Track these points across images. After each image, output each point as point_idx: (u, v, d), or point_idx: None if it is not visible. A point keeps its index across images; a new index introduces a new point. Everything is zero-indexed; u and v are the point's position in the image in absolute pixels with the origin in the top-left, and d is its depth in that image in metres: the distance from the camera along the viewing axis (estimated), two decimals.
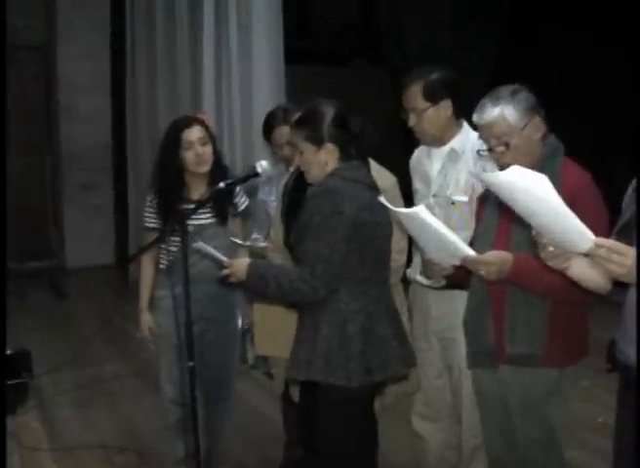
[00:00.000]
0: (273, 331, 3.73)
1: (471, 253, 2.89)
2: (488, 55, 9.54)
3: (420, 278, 3.68)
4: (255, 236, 4.09)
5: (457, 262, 2.98)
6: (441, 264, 3.09)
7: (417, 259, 3.74)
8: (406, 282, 3.82)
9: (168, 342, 3.94)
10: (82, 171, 9.67)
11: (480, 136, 3.02)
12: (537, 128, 2.96)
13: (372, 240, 3.11)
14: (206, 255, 3.50)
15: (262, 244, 4.00)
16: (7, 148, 9.23)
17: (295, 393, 3.83)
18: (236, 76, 6.22)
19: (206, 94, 6.52)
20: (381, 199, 3.00)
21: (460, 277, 3.14)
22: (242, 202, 4.11)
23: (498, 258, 2.81)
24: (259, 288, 3.18)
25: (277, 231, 3.79)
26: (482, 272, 2.87)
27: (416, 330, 3.72)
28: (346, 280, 3.07)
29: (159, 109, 8.03)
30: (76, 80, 9.53)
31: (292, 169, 3.93)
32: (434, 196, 3.60)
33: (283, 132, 4.15)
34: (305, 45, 10.32)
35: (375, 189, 3.21)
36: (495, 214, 3.06)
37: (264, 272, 3.13)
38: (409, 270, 3.80)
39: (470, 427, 3.61)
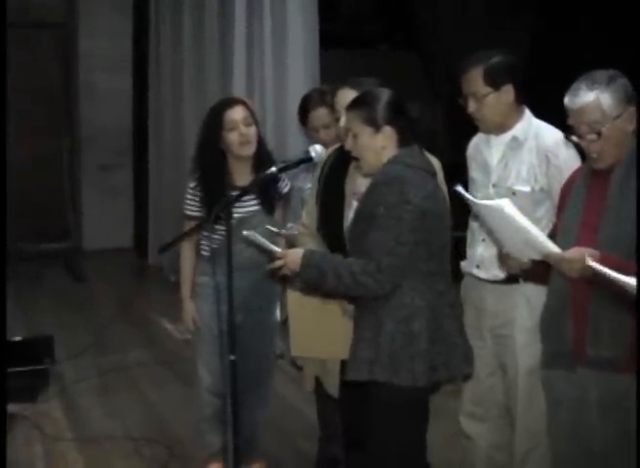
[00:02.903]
0: (309, 330, 3.53)
1: (555, 249, 2.71)
2: (523, 36, 9.32)
3: (476, 271, 3.53)
4: (290, 225, 3.94)
5: (537, 257, 2.81)
6: (519, 259, 2.92)
7: (471, 252, 3.59)
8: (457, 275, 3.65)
9: (208, 331, 3.83)
10: (102, 152, 9.50)
11: (569, 121, 2.84)
12: (630, 119, 2.78)
13: (436, 231, 2.97)
14: (254, 245, 3.33)
15: (296, 232, 3.85)
16: (25, 128, 9.20)
17: (333, 389, 3.65)
18: (269, 58, 6.03)
19: (236, 74, 6.34)
20: (459, 188, 2.82)
21: (537, 272, 2.96)
22: (285, 184, 3.97)
23: (583, 256, 2.64)
24: (314, 280, 3.00)
25: (311, 216, 3.60)
26: (566, 270, 2.70)
27: (468, 326, 3.53)
28: (411, 274, 2.92)
29: (184, 90, 7.84)
30: (97, 59, 9.36)
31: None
32: (494, 186, 3.44)
33: (320, 114, 4.06)
34: (332, 28, 10.14)
35: (434, 176, 3.06)
36: (579, 208, 2.88)
37: (321, 264, 2.96)
38: (463, 263, 3.64)
39: (525, 429, 3.47)
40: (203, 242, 3.87)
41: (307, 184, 4.09)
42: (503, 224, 2.78)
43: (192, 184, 3.83)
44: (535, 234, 2.71)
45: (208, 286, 3.77)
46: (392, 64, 10.21)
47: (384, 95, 3.04)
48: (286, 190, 3.98)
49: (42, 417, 4.98)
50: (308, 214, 3.62)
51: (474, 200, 2.83)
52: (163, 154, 8.52)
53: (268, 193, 3.81)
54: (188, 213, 3.86)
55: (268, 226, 3.93)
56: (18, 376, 5.33)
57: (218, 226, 3.59)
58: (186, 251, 3.94)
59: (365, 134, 3.01)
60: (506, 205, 2.67)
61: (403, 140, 3.03)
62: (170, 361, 5.88)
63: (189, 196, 3.85)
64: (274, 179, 3.74)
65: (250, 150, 3.74)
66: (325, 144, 3.95)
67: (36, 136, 9.37)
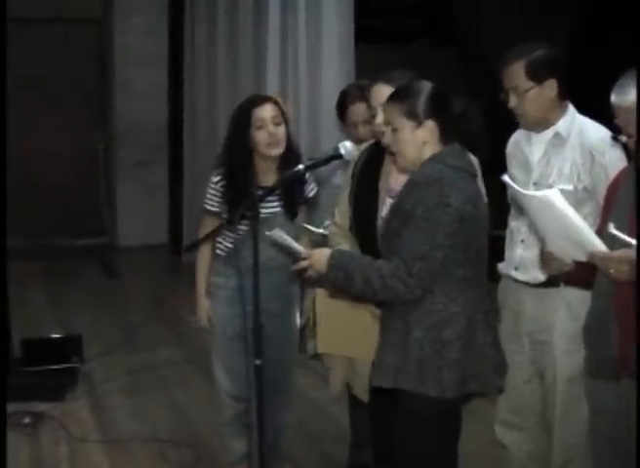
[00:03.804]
0: (337, 327, 3.40)
1: (602, 247, 2.57)
2: (564, 34, 9.15)
3: (514, 273, 3.39)
4: (328, 223, 3.81)
5: (582, 258, 2.65)
6: (562, 259, 2.76)
7: (510, 253, 3.45)
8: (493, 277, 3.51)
9: (223, 333, 3.78)
10: (137, 148, 9.44)
11: (617, 121, 2.68)
12: None
13: (474, 236, 2.83)
14: (277, 245, 3.22)
15: None
16: (61, 123, 9.19)
17: (363, 394, 3.53)
18: (303, 54, 5.94)
19: (270, 69, 6.24)
20: (506, 178, 2.68)
21: (580, 275, 2.81)
22: (310, 189, 3.84)
23: (631, 257, 2.48)
24: (341, 282, 2.88)
25: (344, 215, 3.46)
26: (612, 271, 2.55)
27: (505, 330, 3.41)
28: (445, 279, 2.79)
29: (218, 87, 7.77)
30: (133, 55, 9.31)
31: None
32: (535, 184, 3.29)
33: (358, 109, 3.95)
34: (369, 23, 10.01)
35: (475, 178, 2.93)
36: (626, 207, 2.73)
37: (349, 265, 2.83)
38: (501, 264, 3.50)
39: (563, 439, 3.34)
40: (219, 241, 3.78)
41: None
42: (549, 217, 2.64)
43: (215, 179, 3.73)
44: (582, 228, 2.59)
45: (224, 287, 3.73)
46: (432, 60, 10.08)
47: (427, 87, 2.91)
48: (312, 194, 3.85)
49: (69, 417, 4.90)
50: (341, 214, 3.49)
51: (521, 190, 2.71)
52: (198, 150, 8.44)
53: (292, 195, 3.69)
54: (209, 208, 3.76)
55: (304, 224, 3.82)
56: (46, 375, 5.33)
57: (238, 226, 3.50)
58: (203, 248, 3.82)
59: (406, 128, 2.88)
60: (555, 195, 2.55)
61: (445, 136, 2.90)
62: (200, 360, 5.73)
63: (211, 191, 3.75)
64: (300, 181, 3.63)
65: (277, 150, 3.62)
66: (363, 140, 3.85)
67: (72, 132, 9.35)
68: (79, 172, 9.47)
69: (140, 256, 9.06)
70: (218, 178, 3.72)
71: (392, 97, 2.94)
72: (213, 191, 3.74)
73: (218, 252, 3.80)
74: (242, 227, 3.46)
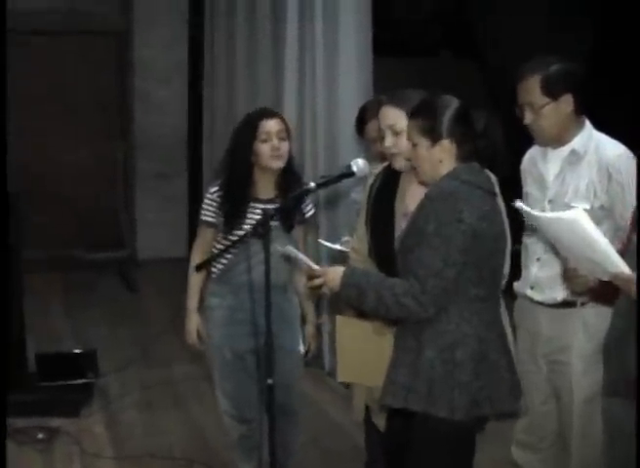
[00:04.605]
0: (357, 356, 3.32)
1: (626, 269, 2.51)
2: (585, 38, 9.04)
3: (530, 293, 3.33)
4: (345, 238, 3.77)
5: (605, 277, 2.59)
6: (587, 276, 2.69)
7: (525, 272, 3.40)
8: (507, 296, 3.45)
9: (221, 355, 3.76)
10: (156, 160, 9.43)
11: None
12: None
13: (489, 254, 2.77)
14: (289, 261, 3.17)
15: (349, 248, 3.66)
16: (80, 136, 9.21)
17: (380, 421, 3.45)
18: (321, 68, 5.87)
19: (287, 85, 6.22)
20: (520, 204, 2.63)
21: (604, 292, 2.75)
22: (308, 209, 3.81)
23: None
24: (354, 299, 2.84)
25: (361, 239, 3.38)
26: (634, 292, 2.49)
27: (521, 350, 3.36)
28: (458, 298, 2.73)
29: (237, 100, 7.75)
30: (153, 68, 9.32)
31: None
32: (550, 202, 3.25)
33: (377, 125, 3.83)
34: (388, 36, 9.96)
35: (494, 195, 2.87)
36: None
37: (362, 282, 2.79)
38: (517, 283, 3.44)
39: (580, 459, 3.30)
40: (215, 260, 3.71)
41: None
42: (574, 238, 2.56)
43: (212, 189, 3.71)
44: (606, 250, 2.52)
45: (218, 307, 3.71)
46: (452, 72, 10.02)
47: (449, 106, 2.85)
48: (309, 215, 3.82)
49: (83, 433, 4.87)
50: (359, 238, 3.42)
51: (540, 214, 2.65)
52: (217, 163, 8.41)
53: (290, 211, 3.64)
54: (204, 218, 3.73)
55: (321, 241, 3.79)
56: (60, 390, 5.28)
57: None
58: (197, 261, 3.73)
59: (423, 145, 2.85)
60: (581, 216, 2.47)
61: (463, 154, 2.85)
62: None
63: (207, 201, 3.72)
64: (300, 197, 3.59)
65: (279, 163, 3.60)
66: (382, 157, 3.81)
67: (91, 144, 9.34)
68: (98, 184, 9.45)
69: (158, 270, 9.02)
70: (215, 189, 3.70)
71: (413, 113, 2.90)
72: (209, 201, 3.71)
73: (212, 271, 3.77)
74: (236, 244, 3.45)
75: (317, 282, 2.93)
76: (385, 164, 3.35)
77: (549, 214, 2.67)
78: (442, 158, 2.83)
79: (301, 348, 3.87)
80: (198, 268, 3.64)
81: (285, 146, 3.60)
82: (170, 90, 9.36)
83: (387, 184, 3.28)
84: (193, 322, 3.83)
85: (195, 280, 3.82)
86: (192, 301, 3.84)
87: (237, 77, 7.70)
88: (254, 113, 3.71)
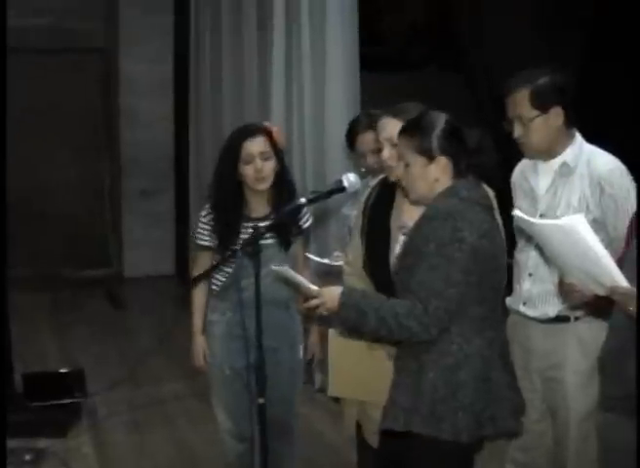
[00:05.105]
0: (349, 370, 3.29)
1: (624, 282, 2.46)
2: (571, 57, 9.06)
3: (523, 308, 3.30)
4: (336, 253, 3.74)
5: (601, 292, 2.54)
6: (583, 290, 2.63)
7: (517, 287, 3.36)
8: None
9: (220, 371, 3.71)
10: (142, 177, 9.41)
11: None
12: None
13: (490, 272, 2.74)
14: (284, 281, 3.12)
15: (342, 262, 3.63)
16: (66, 153, 9.17)
17: (372, 438, 3.40)
18: (308, 84, 5.87)
19: (274, 101, 6.20)
20: (518, 212, 2.59)
21: (599, 305, 2.69)
22: (305, 220, 3.75)
23: None
24: (353, 321, 2.78)
25: (356, 253, 3.34)
26: (631, 308, 2.44)
27: (515, 367, 3.30)
28: (461, 318, 2.70)
29: (223, 117, 7.73)
30: (138, 84, 9.30)
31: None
32: (541, 216, 3.20)
33: (367, 139, 3.89)
34: (375, 51, 9.97)
35: (491, 211, 2.84)
36: None
37: (362, 303, 2.73)
38: (509, 299, 3.40)
39: None
40: (213, 276, 3.69)
41: (354, 211, 3.90)
42: (570, 247, 2.51)
43: (203, 213, 3.67)
44: (603, 260, 2.46)
45: (218, 323, 3.68)
46: (439, 86, 10.02)
47: (440, 121, 2.81)
48: (306, 226, 3.76)
49: (71, 453, 4.80)
50: (353, 252, 3.38)
51: (536, 221, 2.62)
52: (204, 180, 8.38)
53: (286, 226, 3.60)
54: (200, 242, 3.70)
55: (309, 255, 3.75)
56: (48, 410, 5.20)
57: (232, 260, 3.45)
58: (198, 285, 3.73)
59: (417, 164, 2.80)
60: (580, 222, 2.42)
61: (458, 171, 2.81)
62: (206, 395, 5.54)
63: (201, 225, 3.68)
64: (296, 211, 3.53)
65: (264, 186, 3.56)
66: (372, 170, 3.80)
67: (78, 162, 9.35)
68: (85, 201, 9.46)
69: (146, 287, 9.00)
70: (206, 212, 3.66)
71: (404, 131, 2.86)
72: (203, 225, 3.68)
73: (213, 287, 3.73)
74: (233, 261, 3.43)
75: (314, 302, 2.86)
76: (381, 177, 3.32)
77: (546, 221, 2.64)
78: (438, 176, 2.79)
79: (301, 355, 3.83)
80: (192, 284, 3.61)
81: (269, 166, 3.54)
82: (156, 106, 9.35)
83: (383, 197, 3.26)
84: (199, 344, 3.77)
85: (198, 302, 3.78)
86: (197, 323, 3.79)
87: (223, 93, 7.69)
88: (236, 133, 3.65)
